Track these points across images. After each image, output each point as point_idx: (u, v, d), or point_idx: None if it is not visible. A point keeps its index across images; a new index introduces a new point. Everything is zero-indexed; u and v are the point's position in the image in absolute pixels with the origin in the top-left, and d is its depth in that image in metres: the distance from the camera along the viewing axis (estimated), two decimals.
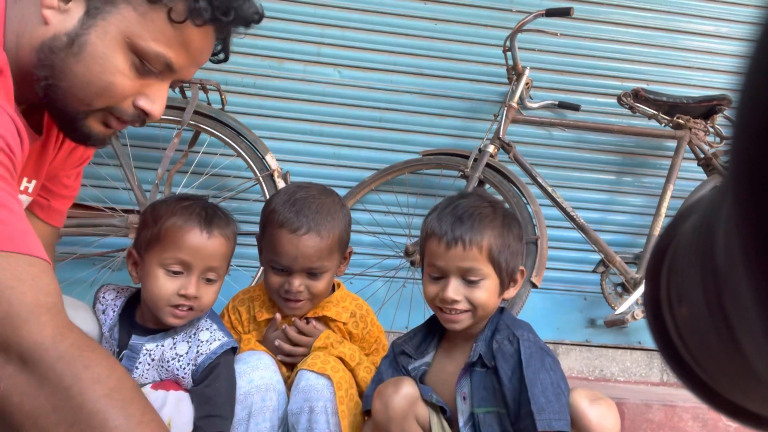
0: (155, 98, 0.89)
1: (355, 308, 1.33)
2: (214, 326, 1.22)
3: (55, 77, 0.82)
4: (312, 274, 1.25)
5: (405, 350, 1.20)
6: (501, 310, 1.20)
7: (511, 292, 1.17)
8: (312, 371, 1.18)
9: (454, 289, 1.10)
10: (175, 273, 1.15)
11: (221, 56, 0.97)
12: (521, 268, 1.18)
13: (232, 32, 0.94)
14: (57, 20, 0.82)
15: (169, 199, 1.22)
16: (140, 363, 1.17)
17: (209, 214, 1.18)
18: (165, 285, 1.14)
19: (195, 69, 0.92)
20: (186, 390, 1.17)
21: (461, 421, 1.11)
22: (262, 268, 1.47)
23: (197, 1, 0.84)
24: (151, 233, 1.16)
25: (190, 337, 1.19)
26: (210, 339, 1.19)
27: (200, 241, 1.15)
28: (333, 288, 1.37)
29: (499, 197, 2.13)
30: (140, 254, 1.19)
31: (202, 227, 1.16)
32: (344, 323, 1.31)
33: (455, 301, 1.10)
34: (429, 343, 1.21)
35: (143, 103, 0.88)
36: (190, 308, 1.16)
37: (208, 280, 1.18)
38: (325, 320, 1.32)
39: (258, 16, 0.92)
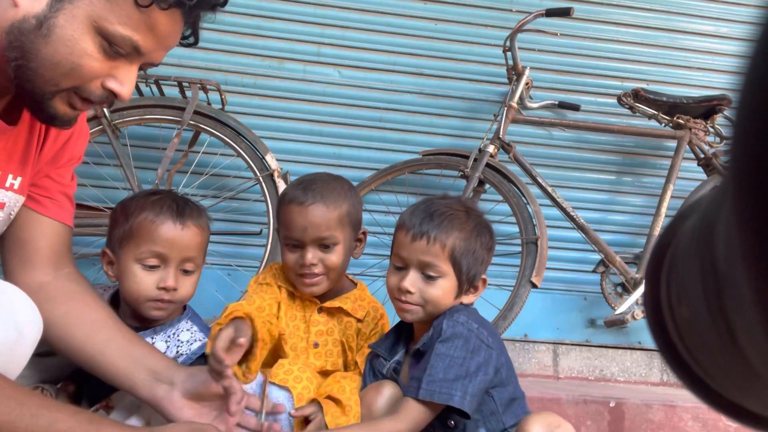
0: (124, 80, 0.91)
1: (371, 309, 1.36)
2: (195, 327, 1.22)
3: (25, 58, 0.84)
4: (324, 246, 1.29)
5: (378, 352, 1.24)
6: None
7: (469, 298, 1.20)
8: (273, 383, 1.16)
9: (412, 281, 1.15)
10: (152, 267, 1.14)
11: (191, 39, 0.98)
12: (483, 276, 1.21)
13: (201, 16, 0.96)
14: (26, 2, 0.83)
15: (137, 195, 1.22)
16: None
17: (180, 206, 1.18)
18: (143, 280, 1.14)
19: (164, 52, 0.94)
20: None
21: None
22: (265, 268, 1.47)
23: None
24: (123, 230, 1.16)
25: (169, 336, 1.19)
26: (190, 339, 1.19)
27: (174, 232, 1.15)
28: (354, 285, 1.41)
29: (499, 197, 2.14)
30: (114, 253, 1.18)
31: (175, 219, 1.15)
32: (358, 320, 1.34)
33: (409, 293, 1.15)
34: (399, 343, 1.25)
35: (112, 84, 0.90)
36: (170, 300, 1.16)
37: (186, 271, 1.18)
38: (339, 313, 1.34)
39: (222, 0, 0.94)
